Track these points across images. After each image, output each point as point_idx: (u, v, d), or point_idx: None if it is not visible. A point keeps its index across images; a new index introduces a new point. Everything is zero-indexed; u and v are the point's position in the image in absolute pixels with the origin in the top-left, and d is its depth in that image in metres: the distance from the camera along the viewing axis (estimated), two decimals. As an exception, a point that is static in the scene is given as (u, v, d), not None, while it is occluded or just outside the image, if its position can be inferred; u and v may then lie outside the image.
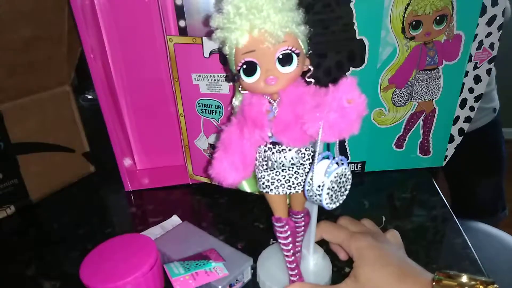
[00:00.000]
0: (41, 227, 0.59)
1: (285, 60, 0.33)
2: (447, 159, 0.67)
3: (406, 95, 0.61)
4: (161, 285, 0.43)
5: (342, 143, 0.63)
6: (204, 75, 0.53)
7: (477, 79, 0.61)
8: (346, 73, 0.57)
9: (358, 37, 0.54)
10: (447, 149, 0.66)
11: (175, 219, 0.57)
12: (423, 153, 0.66)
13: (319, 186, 0.34)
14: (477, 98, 0.62)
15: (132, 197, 0.64)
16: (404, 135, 0.64)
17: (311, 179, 0.34)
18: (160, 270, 0.43)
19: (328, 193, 0.34)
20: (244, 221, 0.57)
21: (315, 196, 0.35)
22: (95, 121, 1.02)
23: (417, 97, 0.61)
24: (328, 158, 0.35)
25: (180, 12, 0.52)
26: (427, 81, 0.60)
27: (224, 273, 0.42)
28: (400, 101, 0.61)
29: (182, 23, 0.53)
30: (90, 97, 1.10)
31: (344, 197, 0.36)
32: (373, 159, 0.65)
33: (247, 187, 0.43)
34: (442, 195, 0.61)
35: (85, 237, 0.55)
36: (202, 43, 0.51)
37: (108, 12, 0.55)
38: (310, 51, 0.37)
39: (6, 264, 0.52)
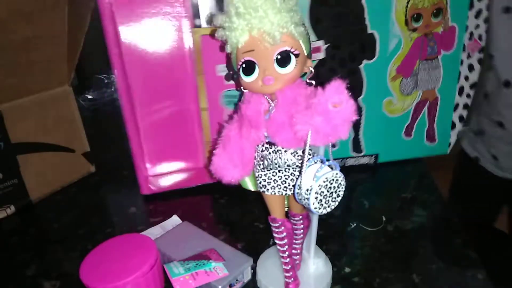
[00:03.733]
0: (41, 227, 0.59)
1: (283, 60, 0.33)
2: (450, 146, 0.71)
3: (412, 84, 0.64)
4: (161, 285, 0.43)
5: (356, 136, 0.65)
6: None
7: (471, 68, 0.66)
8: (359, 66, 0.60)
9: (369, 31, 0.58)
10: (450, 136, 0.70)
11: (175, 219, 0.57)
12: (430, 141, 0.69)
13: (307, 190, 0.33)
14: (472, 86, 0.67)
15: (146, 201, 0.63)
16: (411, 124, 0.67)
17: (300, 182, 0.34)
18: (160, 270, 0.43)
19: (316, 198, 0.33)
20: (244, 221, 0.57)
21: (304, 200, 0.34)
22: (95, 121, 1.02)
23: (421, 86, 0.64)
24: (322, 161, 0.34)
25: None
26: (429, 70, 0.63)
27: (224, 273, 0.42)
28: (407, 90, 0.64)
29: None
30: (90, 97, 1.11)
31: (337, 203, 0.35)
32: (385, 150, 0.68)
33: (251, 186, 0.43)
34: (442, 194, 0.61)
35: (85, 237, 0.55)
36: None
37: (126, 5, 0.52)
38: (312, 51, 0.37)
39: (6, 264, 0.52)
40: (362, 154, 0.66)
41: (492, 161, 0.84)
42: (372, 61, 0.60)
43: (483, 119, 0.83)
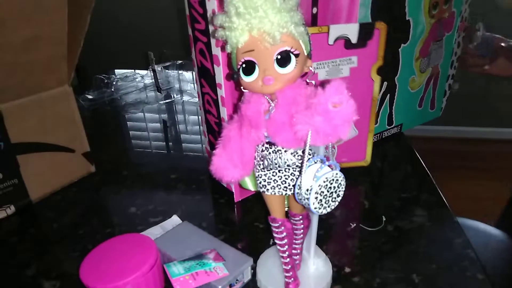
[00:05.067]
0: (41, 227, 0.59)
1: (283, 60, 0.33)
2: (442, 110, 0.87)
3: (427, 62, 0.76)
4: (161, 285, 0.43)
5: (390, 112, 0.75)
6: (325, 62, 0.54)
7: (458, 44, 0.81)
8: (399, 49, 0.69)
9: (407, 18, 0.67)
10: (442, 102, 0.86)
11: (175, 219, 0.57)
12: (432, 109, 0.84)
13: (307, 190, 0.33)
14: (457, 59, 0.82)
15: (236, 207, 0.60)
16: (423, 96, 0.80)
17: (300, 182, 0.34)
18: (160, 270, 0.43)
19: (316, 198, 0.33)
20: (244, 221, 0.57)
21: (304, 200, 0.34)
22: (95, 121, 1.02)
23: (432, 63, 0.77)
24: (322, 161, 0.34)
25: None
26: (437, 50, 0.76)
27: (224, 273, 0.42)
28: (423, 68, 0.76)
29: (314, 10, 0.55)
30: (90, 97, 1.10)
31: (337, 203, 0.35)
32: (406, 120, 0.79)
33: (251, 186, 0.43)
34: (442, 195, 0.61)
35: (85, 237, 0.55)
36: (328, 31, 0.53)
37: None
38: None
39: (6, 264, 0.52)
40: (392, 126, 0.77)
41: None
42: (406, 44, 0.70)
43: None
